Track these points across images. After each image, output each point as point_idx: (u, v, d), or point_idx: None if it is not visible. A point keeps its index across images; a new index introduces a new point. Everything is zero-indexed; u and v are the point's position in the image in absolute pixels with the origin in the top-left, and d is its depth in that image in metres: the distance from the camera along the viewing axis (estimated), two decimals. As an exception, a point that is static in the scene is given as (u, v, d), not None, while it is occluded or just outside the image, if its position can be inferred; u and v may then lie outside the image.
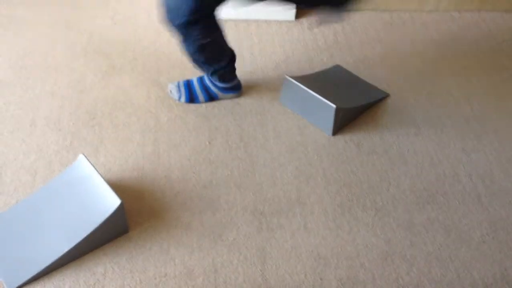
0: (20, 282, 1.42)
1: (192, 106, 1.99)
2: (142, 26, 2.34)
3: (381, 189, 1.75)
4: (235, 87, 2.01)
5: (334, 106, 1.85)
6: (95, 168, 1.58)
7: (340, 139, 1.91)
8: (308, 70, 2.17)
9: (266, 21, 2.42)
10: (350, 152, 1.87)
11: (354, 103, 1.98)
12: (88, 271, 1.47)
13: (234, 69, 1.96)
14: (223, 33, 1.80)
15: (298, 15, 2.46)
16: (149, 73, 2.12)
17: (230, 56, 1.91)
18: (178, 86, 2.00)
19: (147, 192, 1.69)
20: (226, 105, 2.00)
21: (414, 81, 2.19)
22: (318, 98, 1.88)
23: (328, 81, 2.07)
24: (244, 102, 2.03)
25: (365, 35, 2.40)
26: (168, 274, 1.48)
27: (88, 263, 1.49)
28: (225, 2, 1.69)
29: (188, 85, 1.99)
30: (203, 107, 1.99)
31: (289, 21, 2.44)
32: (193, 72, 2.10)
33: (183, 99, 1.99)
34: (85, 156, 1.62)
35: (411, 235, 1.63)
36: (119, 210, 1.49)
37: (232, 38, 2.31)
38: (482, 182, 1.80)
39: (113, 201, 1.49)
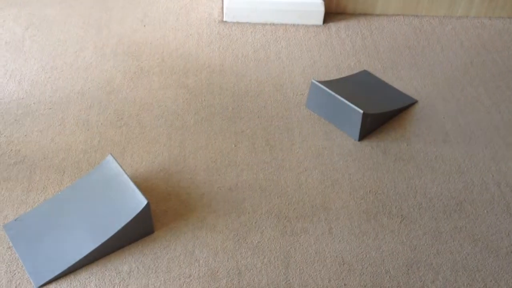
0: (47, 279, 1.44)
1: (219, 108, 2.00)
2: (171, 29, 2.36)
3: (408, 196, 1.74)
4: None
5: (361, 111, 1.84)
6: (123, 168, 1.60)
7: (367, 145, 1.90)
8: (335, 75, 2.17)
9: (294, 25, 2.42)
10: (376, 158, 1.85)
11: (382, 109, 1.97)
12: (114, 270, 1.49)
13: None
14: None
15: (326, 20, 2.46)
16: (177, 75, 2.14)
17: None
18: None
19: (172, 193, 1.70)
20: (253, 109, 2.01)
21: (443, 87, 2.17)
22: (345, 103, 1.88)
23: (356, 86, 2.06)
24: (271, 106, 2.03)
25: (394, 40, 2.39)
26: (192, 275, 1.49)
27: (114, 262, 1.50)
28: None
29: None
30: (229, 110, 2.00)
31: (317, 26, 2.44)
32: (219, 76, 2.11)
33: None
34: (113, 157, 1.64)
35: (437, 243, 1.61)
36: (146, 210, 1.50)
37: (259, 42, 2.32)
38: (511, 191, 1.77)
39: (139, 201, 1.50)
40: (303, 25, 2.43)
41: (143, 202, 1.49)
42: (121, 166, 1.61)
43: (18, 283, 1.45)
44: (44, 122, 1.91)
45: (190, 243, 1.56)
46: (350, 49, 2.31)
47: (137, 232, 1.54)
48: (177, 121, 1.94)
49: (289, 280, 1.49)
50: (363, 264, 1.54)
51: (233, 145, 1.87)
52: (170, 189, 1.71)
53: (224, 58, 2.22)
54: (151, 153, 1.82)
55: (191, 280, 1.48)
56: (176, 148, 1.85)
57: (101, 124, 1.92)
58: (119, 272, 1.48)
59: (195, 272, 1.50)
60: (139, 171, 1.76)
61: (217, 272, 1.50)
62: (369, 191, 1.74)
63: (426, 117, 2.03)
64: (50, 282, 1.45)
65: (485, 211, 1.70)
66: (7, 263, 1.49)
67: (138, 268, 1.50)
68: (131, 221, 1.48)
